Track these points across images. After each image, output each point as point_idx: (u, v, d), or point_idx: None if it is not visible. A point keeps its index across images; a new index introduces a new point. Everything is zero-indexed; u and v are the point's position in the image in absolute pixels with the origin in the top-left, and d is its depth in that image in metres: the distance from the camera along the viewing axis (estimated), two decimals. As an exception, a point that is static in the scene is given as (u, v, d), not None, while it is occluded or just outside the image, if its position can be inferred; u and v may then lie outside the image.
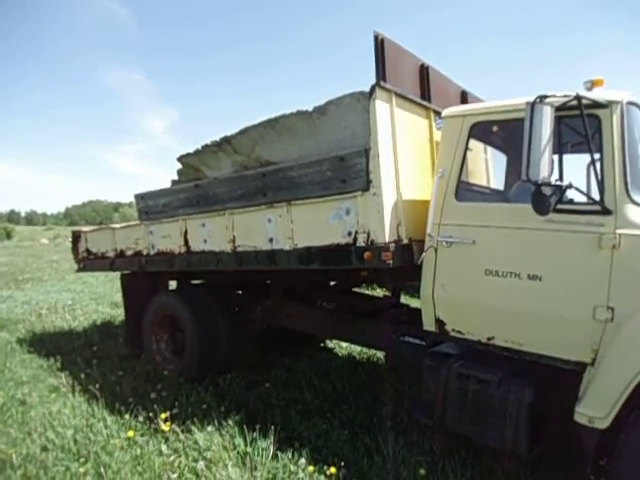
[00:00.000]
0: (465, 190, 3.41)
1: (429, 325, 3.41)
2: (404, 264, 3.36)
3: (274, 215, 4.01)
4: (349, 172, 3.46)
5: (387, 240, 3.30)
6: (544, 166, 2.50)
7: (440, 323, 3.34)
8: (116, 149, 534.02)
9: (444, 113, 3.46)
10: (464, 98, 4.63)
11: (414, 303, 5.53)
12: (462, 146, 3.29)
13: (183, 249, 4.87)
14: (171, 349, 5.37)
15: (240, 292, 6.24)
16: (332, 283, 5.56)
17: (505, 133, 3.74)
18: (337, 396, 4.48)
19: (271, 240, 4.07)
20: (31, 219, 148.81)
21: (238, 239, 4.35)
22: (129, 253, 5.60)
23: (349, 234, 3.53)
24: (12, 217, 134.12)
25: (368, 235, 3.40)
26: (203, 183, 4.58)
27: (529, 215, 2.73)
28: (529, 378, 2.98)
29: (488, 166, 4.66)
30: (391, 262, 3.26)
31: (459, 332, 3.27)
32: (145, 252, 5.35)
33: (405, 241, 3.44)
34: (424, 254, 3.33)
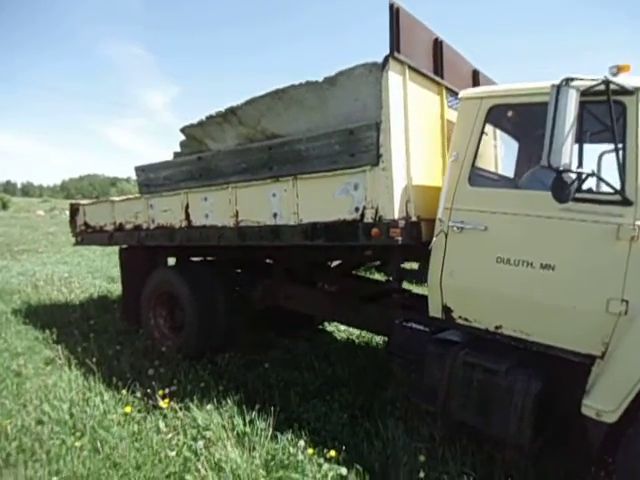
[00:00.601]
0: (478, 175, 3.29)
1: (435, 311, 3.32)
2: (412, 242, 3.26)
3: (279, 189, 3.89)
4: (358, 146, 3.32)
5: (396, 217, 3.19)
6: (566, 152, 2.38)
7: (447, 310, 3.25)
8: (115, 123, 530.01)
9: (461, 94, 3.31)
10: (475, 78, 4.46)
11: (415, 290, 5.49)
12: (478, 129, 3.15)
13: (184, 223, 4.75)
14: (169, 325, 5.30)
15: (240, 271, 6.21)
16: (333, 264, 5.48)
17: (522, 118, 3.60)
18: (337, 379, 4.41)
19: (275, 215, 3.95)
20: (27, 191, 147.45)
21: (241, 214, 4.23)
22: (128, 227, 5.47)
23: (356, 210, 3.41)
24: (8, 188, 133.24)
25: (376, 211, 3.28)
26: (206, 156, 4.43)
27: (545, 203, 2.65)
28: (536, 369, 2.89)
29: (497, 152, 4.52)
30: (400, 239, 3.15)
31: (466, 320, 3.17)
32: (145, 226, 5.23)
33: (414, 218, 3.33)
34: (434, 239, 3.22)
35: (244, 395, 3.85)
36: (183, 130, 4.60)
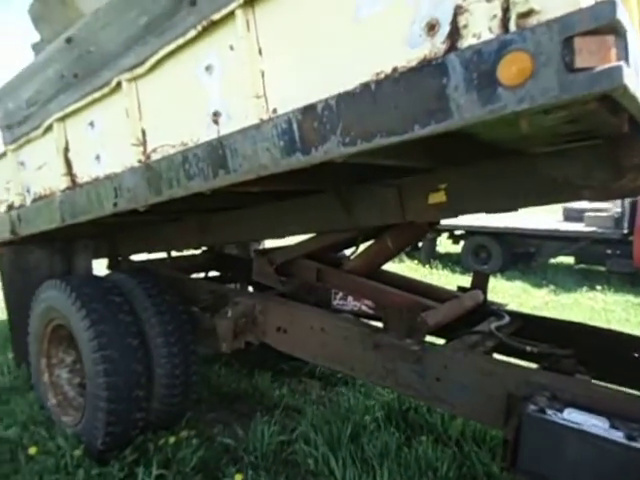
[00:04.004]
0: None
1: None
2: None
3: (217, 50, 1.60)
4: None
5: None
6: None
7: None
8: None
9: None
10: None
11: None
12: None
13: (65, 182, 2.47)
14: (78, 381, 3.00)
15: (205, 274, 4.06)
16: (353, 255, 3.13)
17: None
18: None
19: (216, 116, 1.66)
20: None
21: (151, 135, 1.94)
22: (2, 210, 3.22)
23: (430, 29, 1.10)
24: None
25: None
26: (79, 31, 2.15)
27: None
28: None
29: None
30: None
31: None
32: (18, 202, 2.97)
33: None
34: None
35: None
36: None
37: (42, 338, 3.03)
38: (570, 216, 8.51)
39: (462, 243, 9.25)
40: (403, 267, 8.80)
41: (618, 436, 1.42)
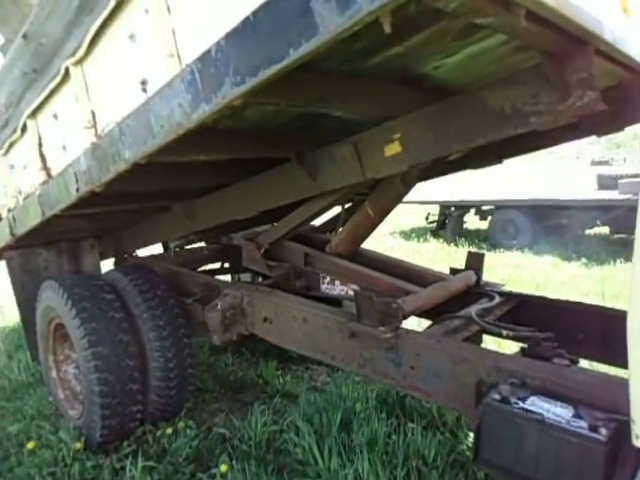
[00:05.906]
0: None
1: None
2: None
3: (136, 17, 1.60)
4: None
5: None
6: None
7: None
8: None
9: None
10: None
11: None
12: None
13: (42, 176, 2.55)
14: None
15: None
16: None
17: None
18: None
19: (144, 85, 1.66)
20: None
21: (100, 115, 1.97)
22: (3, 214, 3.37)
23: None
24: None
25: None
26: (30, 25, 2.20)
27: None
28: None
29: None
30: None
31: None
32: (13, 204, 3.09)
33: None
34: None
35: None
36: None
37: (47, 336, 3.15)
38: (604, 184, 8.04)
39: (489, 219, 8.93)
40: (428, 246, 8.57)
41: (580, 426, 1.32)
